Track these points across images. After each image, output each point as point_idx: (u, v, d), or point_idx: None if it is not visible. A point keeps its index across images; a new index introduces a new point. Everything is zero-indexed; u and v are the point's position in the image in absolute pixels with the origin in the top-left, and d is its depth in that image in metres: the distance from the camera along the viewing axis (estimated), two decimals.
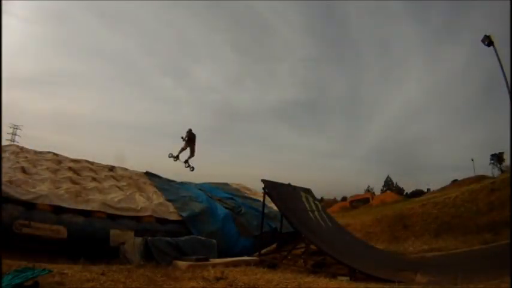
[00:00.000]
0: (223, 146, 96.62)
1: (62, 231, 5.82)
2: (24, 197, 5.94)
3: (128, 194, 7.79)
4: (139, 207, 7.26)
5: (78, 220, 6.19)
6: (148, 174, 10.27)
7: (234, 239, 7.79)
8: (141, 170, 10.47)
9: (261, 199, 7.58)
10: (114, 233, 6.28)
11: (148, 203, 7.69)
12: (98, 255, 5.37)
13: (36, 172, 7.49)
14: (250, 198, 10.54)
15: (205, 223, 7.77)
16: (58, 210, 6.20)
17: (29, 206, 5.91)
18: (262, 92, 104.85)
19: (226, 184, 12.10)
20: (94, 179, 8.28)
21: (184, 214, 7.67)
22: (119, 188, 8.14)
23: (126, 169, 10.11)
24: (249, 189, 12.06)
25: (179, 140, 9.76)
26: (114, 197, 7.32)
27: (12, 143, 33.20)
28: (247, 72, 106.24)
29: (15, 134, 40.96)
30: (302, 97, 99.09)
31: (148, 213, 7.25)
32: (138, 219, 7.03)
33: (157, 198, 8.25)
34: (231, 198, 9.74)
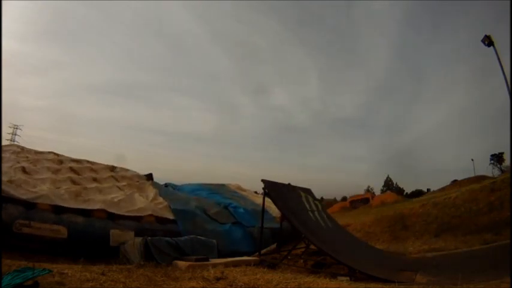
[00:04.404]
0: (259, 151, 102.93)
1: (62, 231, 5.82)
2: (24, 197, 5.94)
3: (128, 194, 7.80)
4: (139, 207, 7.27)
5: (78, 220, 6.18)
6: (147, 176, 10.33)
7: (227, 233, 8.02)
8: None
9: (260, 199, 7.61)
10: (114, 233, 6.27)
11: (148, 202, 7.71)
12: (98, 255, 5.39)
13: (36, 172, 7.50)
14: (248, 199, 10.61)
15: (194, 220, 7.96)
16: (58, 210, 6.20)
17: (29, 206, 5.91)
18: (320, 111, 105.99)
19: (222, 185, 12.16)
20: (94, 179, 8.30)
21: (175, 211, 7.88)
22: (119, 188, 8.16)
23: (127, 169, 10.13)
24: (245, 190, 12.20)
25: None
26: (115, 197, 7.33)
27: (12, 143, 33.25)
28: (319, 96, 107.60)
29: (15, 134, 40.99)
30: (353, 116, 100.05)
31: (148, 213, 7.26)
32: (138, 219, 7.03)
33: (157, 198, 8.27)
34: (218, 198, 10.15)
